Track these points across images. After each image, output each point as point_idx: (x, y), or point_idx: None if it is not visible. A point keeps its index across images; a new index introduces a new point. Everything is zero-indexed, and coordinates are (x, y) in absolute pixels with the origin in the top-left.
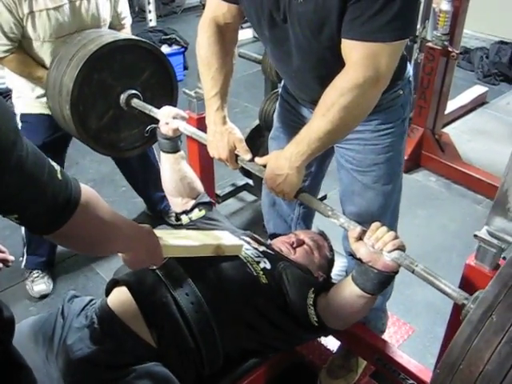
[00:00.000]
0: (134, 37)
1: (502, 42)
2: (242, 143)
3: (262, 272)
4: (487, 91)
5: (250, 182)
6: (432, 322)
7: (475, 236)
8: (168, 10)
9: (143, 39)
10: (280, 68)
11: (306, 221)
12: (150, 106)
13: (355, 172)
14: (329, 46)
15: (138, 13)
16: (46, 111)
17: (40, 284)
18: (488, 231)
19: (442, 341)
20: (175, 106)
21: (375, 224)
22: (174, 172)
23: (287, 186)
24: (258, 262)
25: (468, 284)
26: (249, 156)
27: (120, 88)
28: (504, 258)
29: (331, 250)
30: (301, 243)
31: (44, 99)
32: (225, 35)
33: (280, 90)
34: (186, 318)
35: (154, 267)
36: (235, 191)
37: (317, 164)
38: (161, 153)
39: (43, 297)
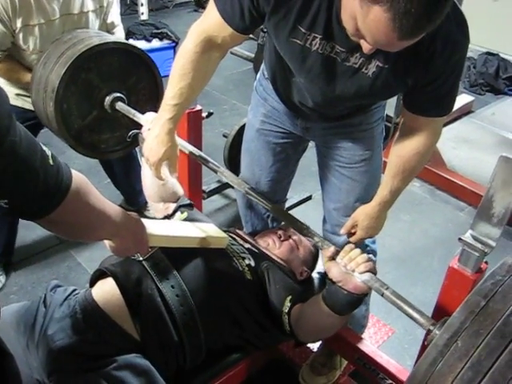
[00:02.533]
0: (124, 41)
1: (488, 53)
2: (174, 164)
3: (247, 268)
4: (473, 101)
5: None
6: (412, 324)
7: (460, 239)
8: (160, 5)
9: (133, 44)
10: (292, 92)
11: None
12: (133, 111)
13: (343, 169)
14: (361, 103)
15: (130, 5)
16: (20, 104)
17: None
18: (472, 235)
19: (421, 343)
20: None
21: (349, 245)
22: (156, 178)
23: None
24: (244, 258)
25: (450, 286)
26: (175, 175)
27: (106, 90)
28: (486, 263)
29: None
30: (287, 237)
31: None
32: (212, 54)
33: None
34: (171, 310)
35: (140, 256)
36: (221, 188)
37: (276, 170)
38: (142, 159)
39: None
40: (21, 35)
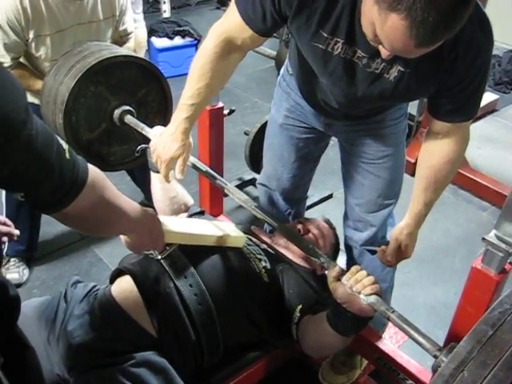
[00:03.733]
0: (133, 54)
1: None
2: (184, 164)
3: (263, 270)
4: (497, 99)
5: (257, 176)
6: (432, 324)
7: (483, 239)
8: (182, 2)
9: (143, 57)
10: (316, 91)
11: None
12: (142, 125)
13: (366, 165)
14: (383, 105)
15: (153, 3)
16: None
17: (13, 273)
18: (496, 235)
19: (442, 344)
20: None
21: (355, 267)
22: (166, 191)
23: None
24: (260, 260)
25: (473, 287)
26: (179, 176)
27: (115, 103)
28: (510, 263)
29: (336, 237)
30: (306, 232)
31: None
32: (232, 55)
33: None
34: (189, 309)
35: (157, 254)
36: (242, 185)
37: (298, 166)
38: (151, 173)
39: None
40: (33, 44)
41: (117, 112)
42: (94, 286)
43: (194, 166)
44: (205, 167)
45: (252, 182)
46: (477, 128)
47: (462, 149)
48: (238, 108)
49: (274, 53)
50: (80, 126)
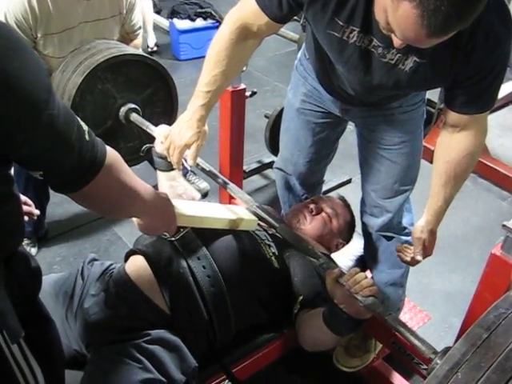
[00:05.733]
0: (141, 53)
1: None
2: (197, 151)
3: (273, 256)
4: None
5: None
6: (448, 312)
7: (503, 226)
8: None
9: (150, 56)
10: (332, 78)
11: None
12: (147, 123)
13: (383, 151)
14: (399, 93)
15: None
16: None
17: None
18: None
19: (457, 332)
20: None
21: (354, 269)
22: (174, 188)
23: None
24: (269, 246)
25: (492, 274)
26: (191, 163)
27: (121, 101)
28: None
29: (352, 214)
30: (319, 211)
31: None
32: (248, 42)
33: (304, 74)
34: (202, 290)
35: (168, 235)
36: (261, 168)
37: (314, 151)
38: (158, 172)
39: None
40: (41, 42)
41: (123, 110)
42: (111, 265)
43: (198, 165)
44: (208, 166)
45: (271, 164)
46: (498, 117)
47: (480, 141)
48: (259, 91)
49: (296, 36)
50: (86, 123)
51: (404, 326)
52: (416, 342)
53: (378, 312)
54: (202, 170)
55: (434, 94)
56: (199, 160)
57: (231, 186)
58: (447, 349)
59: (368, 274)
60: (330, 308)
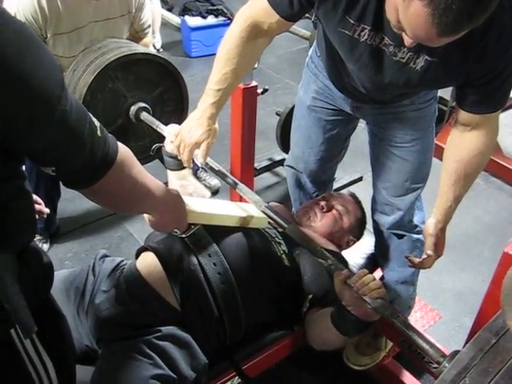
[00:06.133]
0: (151, 51)
1: None
2: (208, 149)
3: (284, 254)
4: None
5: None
6: (459, 311)
7: None
8: None
9: (160, 55)
10: (343, 75)
11: None
12: (157, 122)
13: (394, 148)
14: (410, 92)
15: None
16: None
17: None
18: None
19: (468, 331)
20: None
21: (363, 271)
22: (184, 187)
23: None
24: (280, 244)
25: (504, 272)
26: (201, 161)
27: (132, 100)
28: None
29: (363, 211)
30: (330, 208)
31: None
32: (258, 40)
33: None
34: (212, 287)
35: (179, 232)
36: (272, 165)
37: (325, 149)
38: (168, 171)
39: None
40: (51, 42)
41: (133, 109)
42: (122, 261)
43: (207, 165)
44: (217, 166)
45: (282, 162)
46: (511, 115)
47: (492, 141)
48: (270, 89)
49: (307, 33)
50: None
51: (412, 328)
52: (424, 345)
53: (386, 314)
54: (211, 169)
55: (446, 92)
56: (209, 160)
57: (240, 186)
58: (455, 352)
59: (378, 272)
60: (338, 309)
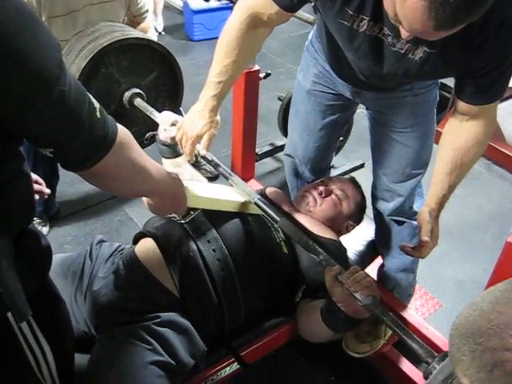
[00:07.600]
0: (146, 36)
1: None
2: (210, 140)
3: (282, 241)
4: None
5: None
6: (460, 299)
7: None
8: None
9: (155, 40)
10: (342, 63)
11: None
12: (151, 109)
13: (394, 134)
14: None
15: None
16: None
17: None
18: None
19: None
20: (178, 111)
21: (354, 267)
22: (180, 175)
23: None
24: (279, 231)
25: (506, 262)
26: (203, 153)
27: (125, 85)
28: None
29: (363, 196)
30: (329, 193)
31: None
32: (258, 31)
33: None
34: (211, 273)
35: (179, 216)
36: (273, 150)
37: (324, 135)
38: (162, 159)
39: None
40: (46, 25)
41: (127, 94)
42: (119, 246)
43: (203, 157)
44: (211, 156)
45: (283, 147)
46: None
47: (489, 131)
48: (272, 73)
49: (311, 17)
50: None
51: (402, 328)
52: (413, 345)
53: (376, 312)
54: (203, 158)
55: (449, 79)
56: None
57: (234, 177)
58: (445, 354)
59: (379, 259)
60: (328, 305)
